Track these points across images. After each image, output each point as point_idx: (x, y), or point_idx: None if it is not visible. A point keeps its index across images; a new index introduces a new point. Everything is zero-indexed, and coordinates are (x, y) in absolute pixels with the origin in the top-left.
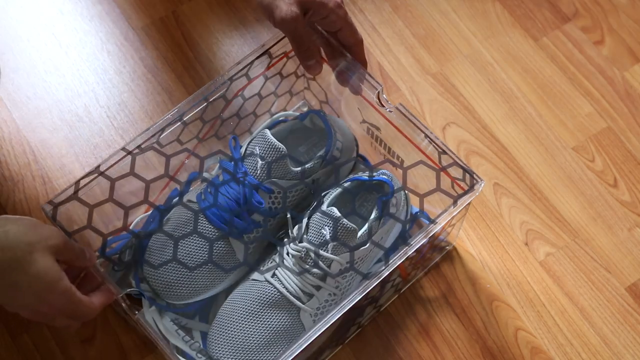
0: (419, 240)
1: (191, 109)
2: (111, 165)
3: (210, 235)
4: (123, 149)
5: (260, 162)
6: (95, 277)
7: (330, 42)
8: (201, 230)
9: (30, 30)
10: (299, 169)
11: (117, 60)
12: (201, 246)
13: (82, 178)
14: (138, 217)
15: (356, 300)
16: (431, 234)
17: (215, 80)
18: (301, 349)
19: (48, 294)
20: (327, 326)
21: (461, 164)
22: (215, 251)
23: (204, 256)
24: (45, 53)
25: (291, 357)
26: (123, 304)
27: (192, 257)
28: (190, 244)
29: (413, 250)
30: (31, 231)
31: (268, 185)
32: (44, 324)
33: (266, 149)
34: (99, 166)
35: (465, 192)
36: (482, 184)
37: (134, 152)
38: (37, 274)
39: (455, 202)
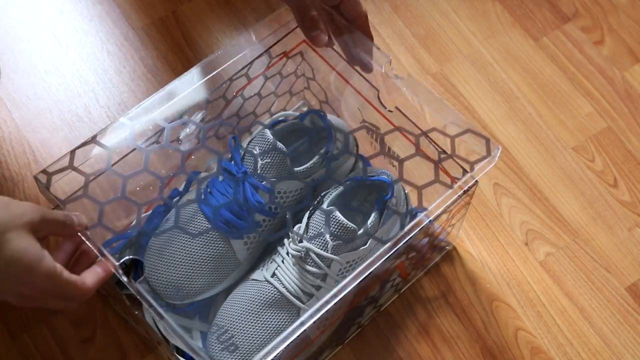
0: (438, 206)
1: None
2: (121, 159)
3: (210, 234)
4: (122, 121)
5: (260, 162)
6: (92, 253)
7: (334, 17)
8: (201, 229)
9: (30, 30)
10: (299, 168)
11: (117, 60)
12: (203, 242)
13: (78, 148)
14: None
15: (377, 264)
16: (451, 200)
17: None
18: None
19: (29, 276)
20: (344, 292)
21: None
22: (215, 251)
23: (207, 251)
24: (45, 53)
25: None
26: (122, 276)
27: (191, 255)
28: (189, 241)
29: (434, 216)
30: (2, 210)
31: (268, 185)
32: (44, 322)
33: (266, 148)
34: (95, 136)
35: (483, 158)
36: (499, 150)
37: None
38: (12, 256)
39: (472, 168)
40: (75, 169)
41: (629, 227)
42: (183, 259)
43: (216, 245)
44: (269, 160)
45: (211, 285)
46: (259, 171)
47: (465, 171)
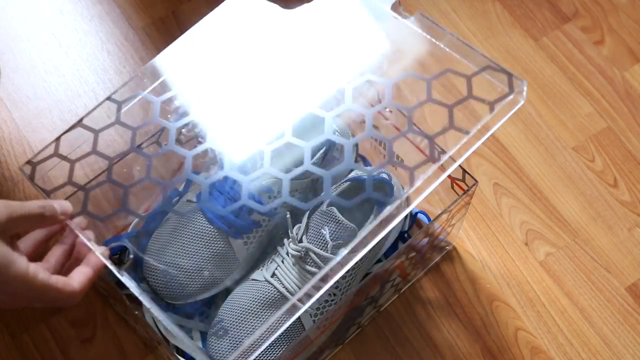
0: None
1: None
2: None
3: (210, 234)
4: (109, 99)
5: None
6: (83, 250)
7: None
8: (201, 229)
9: (30, 30)
10: (299, 169)
11: (117, 60)
12: (203, 242)
13: (64, 134)
14: (137, 218)
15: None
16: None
17: None
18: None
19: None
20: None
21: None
22: (215, 251)
23: (207, 251)
24: (45, 53)
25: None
26: (112, 265)
27: (191, 255)
28: (189, 241)
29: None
30: None
31: (267, 184)
32: (44, 322)
33: None
34: (81, 119)
35: (505, 96)
36: (525, 85)
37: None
38: None
39: (492, 107)
40: (60, 157)
41: (629, 227)
42: (183, 259)
43: (216, 245)
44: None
45: (211, 285)
46: None
47: (465, 172)
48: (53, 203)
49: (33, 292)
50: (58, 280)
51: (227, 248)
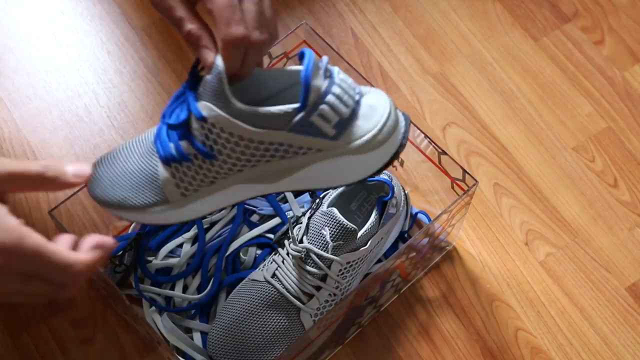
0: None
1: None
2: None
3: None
4: None
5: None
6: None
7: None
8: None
9: (30, 30)
10: None
11: (117, 60)
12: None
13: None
14: None
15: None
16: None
17: None
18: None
19: None
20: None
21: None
22: (142, 170)
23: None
24: (45, 53)
25: None
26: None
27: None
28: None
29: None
30: None
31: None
32: (44, 322)
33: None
34: None
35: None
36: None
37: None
38: None
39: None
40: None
41: (629, 227)
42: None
43: (146, 166)
44: None
45: (135, 201)
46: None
47: (465, 172)
48: (61, 164)
49: (28, 257)
50: (61, 249)
51: (154, 169)
